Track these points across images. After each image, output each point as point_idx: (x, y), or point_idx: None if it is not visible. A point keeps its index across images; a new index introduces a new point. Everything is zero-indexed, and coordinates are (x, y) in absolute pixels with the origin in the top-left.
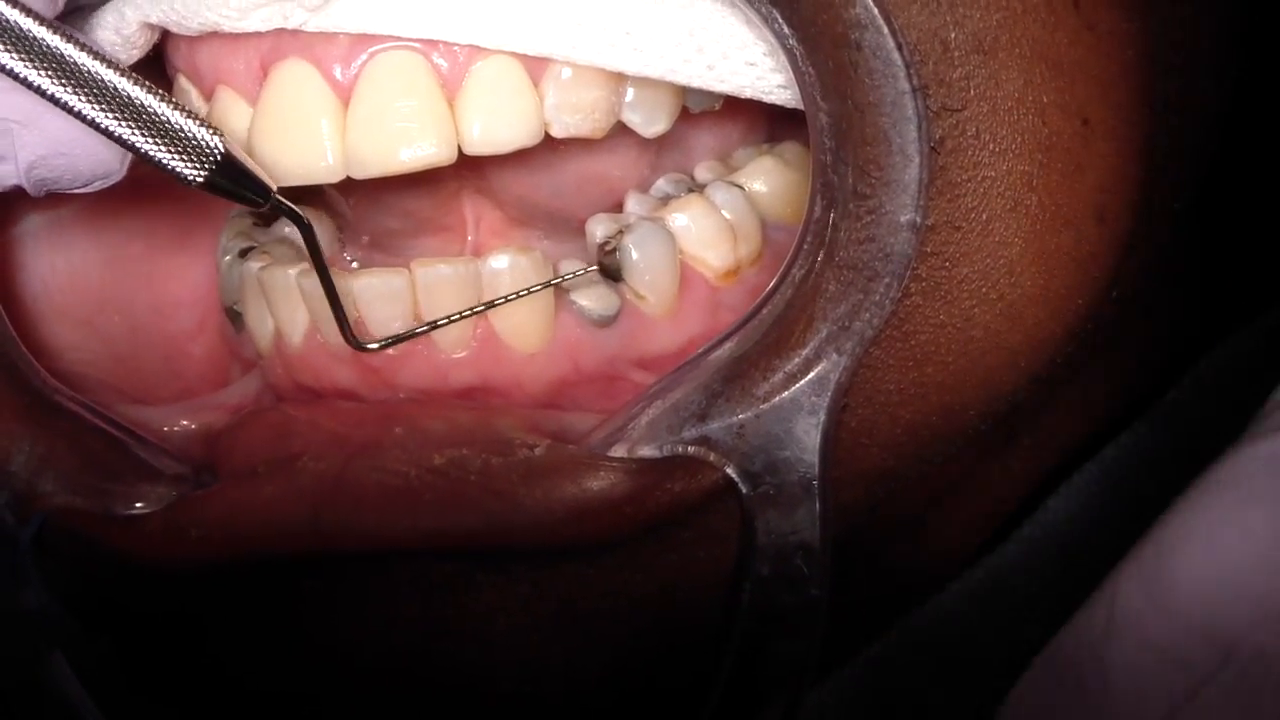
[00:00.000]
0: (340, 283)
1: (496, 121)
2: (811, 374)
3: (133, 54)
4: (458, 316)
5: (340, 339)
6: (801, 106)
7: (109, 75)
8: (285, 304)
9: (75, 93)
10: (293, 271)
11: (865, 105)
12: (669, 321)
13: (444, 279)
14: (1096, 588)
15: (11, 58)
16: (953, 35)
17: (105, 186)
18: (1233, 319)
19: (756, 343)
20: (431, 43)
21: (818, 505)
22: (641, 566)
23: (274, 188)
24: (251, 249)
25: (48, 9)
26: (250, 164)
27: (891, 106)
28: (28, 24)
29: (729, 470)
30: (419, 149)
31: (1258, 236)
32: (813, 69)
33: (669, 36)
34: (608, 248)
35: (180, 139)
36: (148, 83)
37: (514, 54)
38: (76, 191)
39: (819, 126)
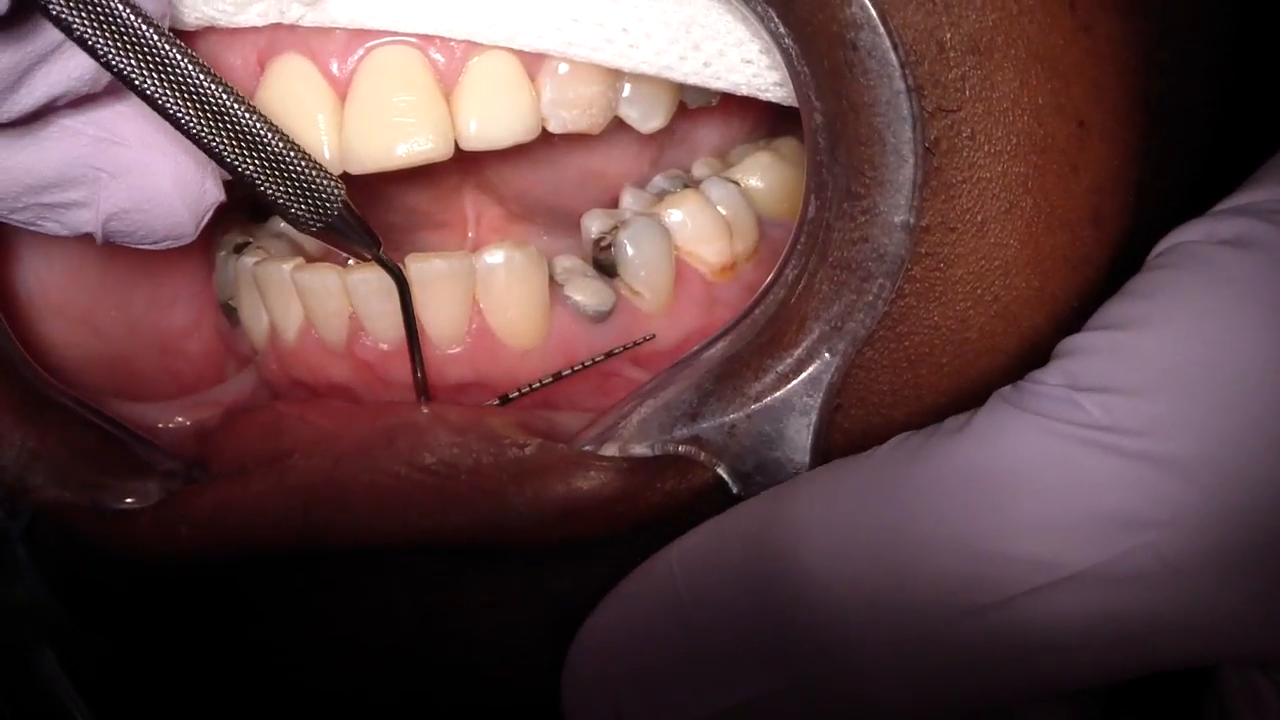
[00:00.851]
0: (335, 278)
1: (493, 117)
2: (804, 374)
3: None
4: (580, 367)
5: (336, 336)
6: (796, 104)
7: (238, 109)
8: (280, 299)
9: (209, 127)
10: (287, 267)
11: (860, 105)
12: (664, 317)
13: (439, 273)
14: None
15: (152, 82)
16: (948, 36)
17: (174, 247)
18: None
19: (749, 342)
20: (428, 38)
21: None
22: (632, 565)
23: (381, 242)
24: (247, 244)
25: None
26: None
27: (886, 106)
28: (171, 52)
29: (720, 470)
30: (416, 144)
31: None
32: (808, 68)
33: (664, 33)
34: (603, 243)
35: (302, 183)
36: (277, 126)
37: (510, 50)
38: (143, 248)
39: (813, 126)
